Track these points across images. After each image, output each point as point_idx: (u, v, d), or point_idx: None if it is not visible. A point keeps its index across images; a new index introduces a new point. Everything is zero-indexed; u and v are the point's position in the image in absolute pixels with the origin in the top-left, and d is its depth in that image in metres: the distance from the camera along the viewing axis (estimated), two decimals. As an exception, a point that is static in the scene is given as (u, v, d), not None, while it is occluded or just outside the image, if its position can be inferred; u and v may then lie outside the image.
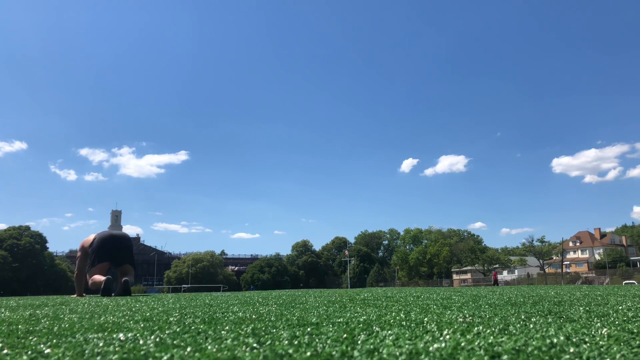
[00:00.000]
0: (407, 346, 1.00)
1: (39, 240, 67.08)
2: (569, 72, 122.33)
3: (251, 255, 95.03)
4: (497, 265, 60.04)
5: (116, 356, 0.94)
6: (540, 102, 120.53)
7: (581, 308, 2.12)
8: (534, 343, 1.03)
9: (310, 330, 1.32)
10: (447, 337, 1.14)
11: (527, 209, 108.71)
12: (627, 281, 44.24)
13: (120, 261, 7.80)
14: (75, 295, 7.71)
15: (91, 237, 8.07)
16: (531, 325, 1.40)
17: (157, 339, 1.17)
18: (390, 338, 1.13)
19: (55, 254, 74.66)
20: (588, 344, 1.02)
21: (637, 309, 2.01)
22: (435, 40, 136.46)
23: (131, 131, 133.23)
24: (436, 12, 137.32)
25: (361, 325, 1.46)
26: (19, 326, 1.63)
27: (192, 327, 1.45)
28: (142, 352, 0.97)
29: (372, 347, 0.99)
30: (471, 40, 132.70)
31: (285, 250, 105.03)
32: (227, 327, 1.43)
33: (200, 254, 76.72)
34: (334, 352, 0.94)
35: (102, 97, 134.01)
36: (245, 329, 1.39)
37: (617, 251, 65.49)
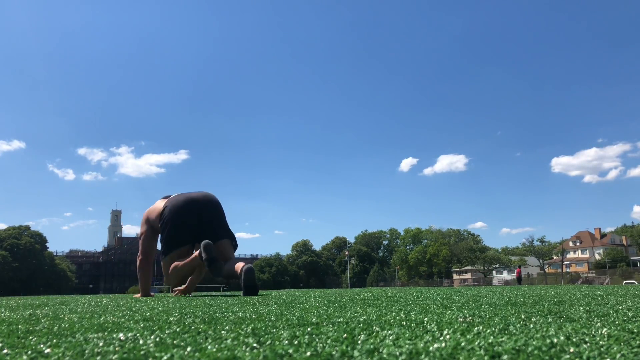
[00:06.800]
0: (407, 346, 1.00)
1: (39, 240, 67.14)
2: (569, 69, 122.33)
3: (251, 255, 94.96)
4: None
5: (116, 356, 0.93)
6: (541, 100, 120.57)
7: (581, 308, 2.12)
8: (534, 343, 1.02)
9: (310, 330, 1.32)
10: (447, 337, 1.14)
11: (528, 209, 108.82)
12: (627, 281, 44.21)
13: (213, 238, 4.75)
14: (139, 295, 5.19)
15: (159, 204, 5.14)
16: (531, 325, 1.40)
17: (157, 339, 1.17)
18: (390, 338, 1.13)
19: (55, 253, 74.68)
20: (588, 344, 1.02)
21: (637, 309, 2.00)
22: (434, 38, 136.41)
23: (130, 130, 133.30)
24: (435, 9, 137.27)
25: (361, 325, 1.46)
26: (19, 326, 1.63)
27: (192, 327, 1.45)
28: (142, 352, 0.97)
29: (372, 347, 0.99)
30: (471, 37, 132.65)
31: (285, 250, 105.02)
32: (227, 327, 1.43)
33: (200, 253, 76.53)
34: (334, 352, 0.94)
35: (100, 96, 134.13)
36: (245, 328, 1.39)
37: (618, 251, 65.48)
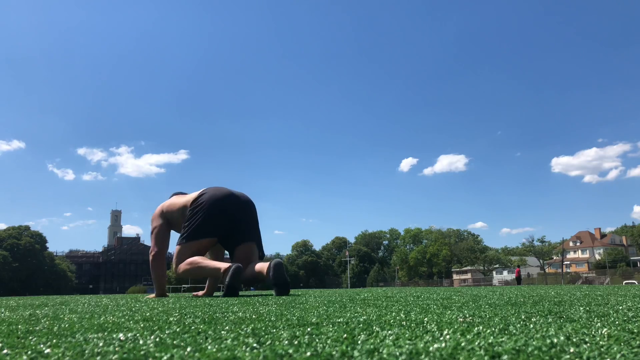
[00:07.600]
0: (407, 346, 1.00)
1: (39, 240, 67.18)
2: (570, 69, 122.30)
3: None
4: (495, 264, 59.99)
5: (116, 356, 0.93)
6: (541, 100, 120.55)
7: (581, 308, 2.12)
8: (534, 343, 1.02)
9: (310, 330, 1.32)
10: (447, 337, 1.14)
11: (528, 209, 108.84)
12: (627, 281, 44.22)
13: (241, 238, 4.53)
14: (153, 295, 4.86)
15: (179, 198, 4.78)
16: (531, 325, 1.40)
17: (157, 339, 1.17)
18: (390, 338, 1.13)
19: (55, 253, 74.75)
20: (588, 344, 1.02)
21: (638, 309, 2.00)
22: (434, 38, 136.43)
23: (130, 130, 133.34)
24: (435, 9, 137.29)
25: (361, 325, 1.46)
26: (19, 326, 1.63)
27: (192, 327, 1.45)
28: (142, 352, 0.97)
29: (372, 347, 0.99)
30: (470, 37, 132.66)
31: (285, 250, 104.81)
32: (227, 327, 1.43)
33: (200, 253, 76.53)
34: (334, 352, 0.94)
35: (100, 96, 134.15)
36: (245, 329, 1.39)
37: (618, 251, 65.50)
